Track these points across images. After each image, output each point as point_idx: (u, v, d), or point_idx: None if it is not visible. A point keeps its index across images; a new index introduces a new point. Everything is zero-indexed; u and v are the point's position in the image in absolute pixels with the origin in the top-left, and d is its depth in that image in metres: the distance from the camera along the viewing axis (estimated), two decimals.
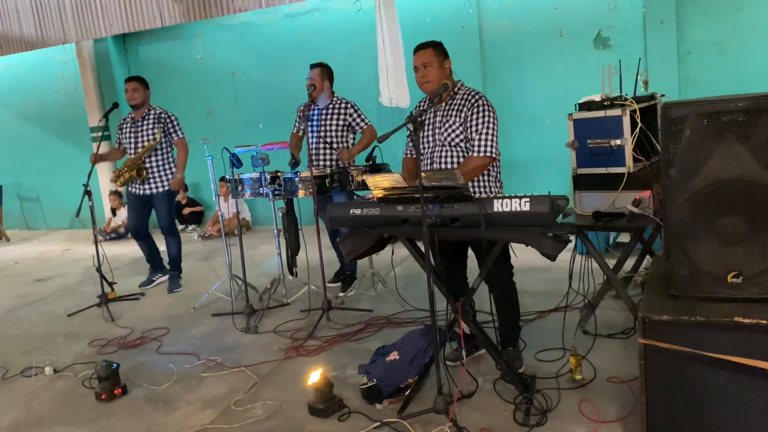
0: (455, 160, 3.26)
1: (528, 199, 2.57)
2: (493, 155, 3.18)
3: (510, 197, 2.62)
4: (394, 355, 3.07)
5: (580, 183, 3.54)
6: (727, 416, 2.20)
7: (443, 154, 3.28)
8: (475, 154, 3.17)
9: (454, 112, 3.25)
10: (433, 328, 2.74)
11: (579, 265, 3.50)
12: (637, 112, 3.30)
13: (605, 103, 3.43)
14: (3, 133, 9.92)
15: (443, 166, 3.27)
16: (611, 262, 3.65)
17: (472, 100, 3.21)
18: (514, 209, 2.59)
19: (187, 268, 5.88)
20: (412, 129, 2.58)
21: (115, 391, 3.44)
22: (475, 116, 3.18)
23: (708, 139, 2.20)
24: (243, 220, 8.19)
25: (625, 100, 3.37)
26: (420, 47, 3.30)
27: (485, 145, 3.16)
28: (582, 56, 6.27)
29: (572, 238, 2.89)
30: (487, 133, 3.17)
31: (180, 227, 8.56)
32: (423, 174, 2.61)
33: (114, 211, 8.79)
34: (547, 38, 6.47)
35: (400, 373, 3.01)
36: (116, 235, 8.57)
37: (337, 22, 7.43)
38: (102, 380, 3.43)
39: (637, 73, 3.73)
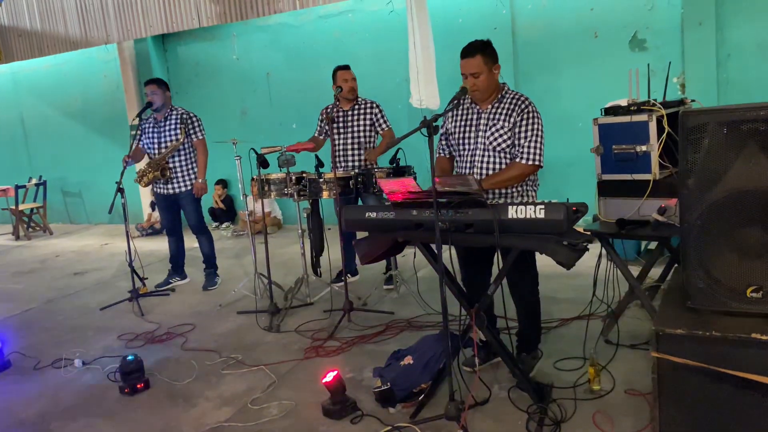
0: (497, 166, 3.20)
1: (543, 206, 2.54)
2: (541, 164, 3.15)
3: (525, 204, 2.58)
4: (408, 360, 3.07)
5: (605, 189, 3.46)
6: None
7: (485, 159, 3.22)
8: (523, 161, 3.12)
9: (502, 117, 3.18)
10: (444, 333, 2.72)
11: (605, 272, 3.43)
12: (665, 118, 3.21)
13: (632, 108, 3.35)
14: (48, 130, 10.27)
15: (486, 170, 3.21)
16: (638, 270, 3.56)
17: (522, 106, 3.16)
18: (528, 216, 2.56)
19: (218, 265, 5.92)
20: (426, 134, 2.55)
21: (138, 386, 3.53)
22: (525, 122, 3.13)
23: (728, 148, 2.13)
24: (274, 219, 8.28)
25: (653, 105, 3.29)
26: (467, 54, 3.09)
27: (534, 153, 3.12)
28: (617, 58, 6.13)
29: (590, 245, 2.82)
30: (536, 141, 3.13)
31: (214, 225, 8.73)
32: (437, 179, 2.60)
33: (154, 206, 8.95)
34: (582, 39, 6.35)
35: (413, 378, 3.00)
36: (152, 231, 8.76)
37: (370, 23, 7.44)
38: (125, 375, 3.52)
39: (667, 78, 3.62)
